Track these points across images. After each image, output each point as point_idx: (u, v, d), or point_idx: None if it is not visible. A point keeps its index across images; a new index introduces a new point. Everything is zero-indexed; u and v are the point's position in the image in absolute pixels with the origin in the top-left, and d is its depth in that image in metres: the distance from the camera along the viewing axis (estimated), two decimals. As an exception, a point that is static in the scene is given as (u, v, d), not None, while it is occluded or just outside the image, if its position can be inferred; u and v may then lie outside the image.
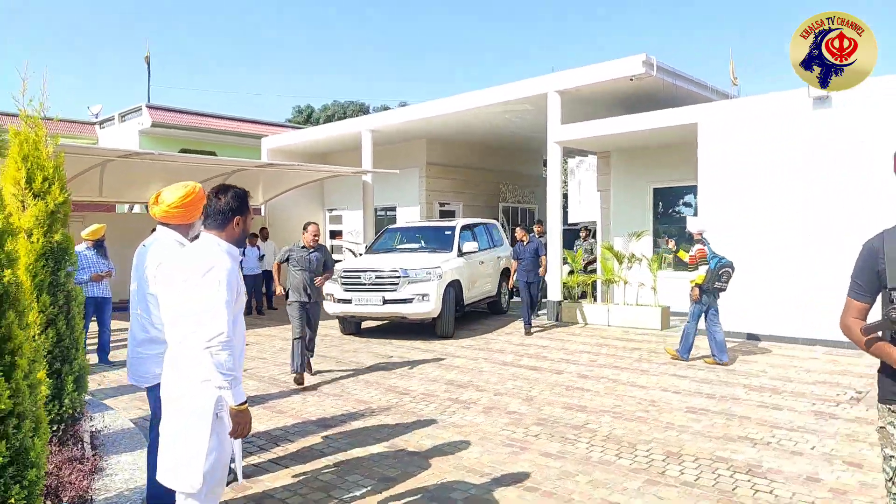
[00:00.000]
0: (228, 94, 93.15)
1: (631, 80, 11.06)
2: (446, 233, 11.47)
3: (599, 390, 6.78)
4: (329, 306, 9.99)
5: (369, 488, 4.18)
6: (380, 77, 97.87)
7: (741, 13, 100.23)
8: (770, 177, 9.60)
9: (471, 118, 14.47)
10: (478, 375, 7.54)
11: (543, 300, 12.38)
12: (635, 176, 13.28)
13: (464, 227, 11.77)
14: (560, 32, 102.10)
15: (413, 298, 9.61)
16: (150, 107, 21.69)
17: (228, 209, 2.92)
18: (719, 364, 7.86)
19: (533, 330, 10.61)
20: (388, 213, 18.24)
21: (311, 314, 7.41)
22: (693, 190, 11.80)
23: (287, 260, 7.52)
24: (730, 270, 7.83)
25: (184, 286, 2.69)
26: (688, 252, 8.04)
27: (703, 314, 8.02)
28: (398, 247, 11.57)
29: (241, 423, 2.64)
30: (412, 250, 11.26)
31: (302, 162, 17.99)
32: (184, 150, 20.04)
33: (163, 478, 2.74)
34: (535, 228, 12.68)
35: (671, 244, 8.77)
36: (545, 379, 7.33)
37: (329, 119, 41.38)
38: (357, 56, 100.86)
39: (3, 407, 2.58)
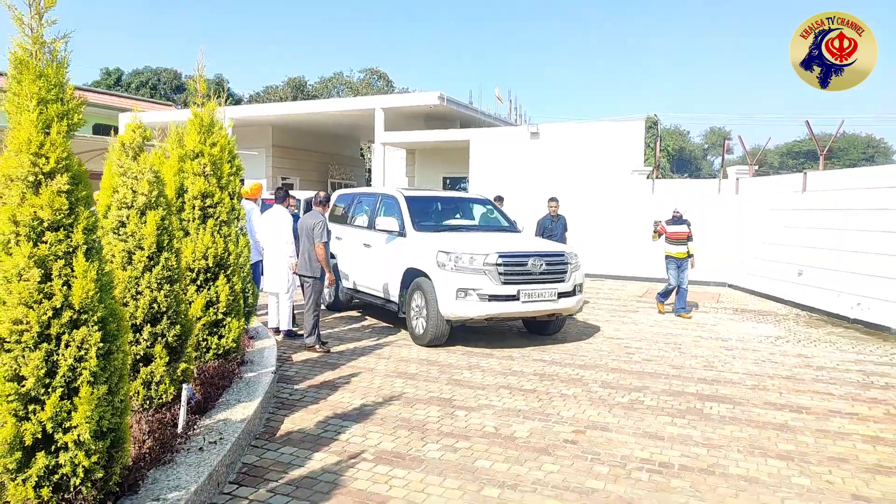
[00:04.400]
0: None
1: (430, 107, 17.05)
2: (487, 206, 9.68)
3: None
4: (469, 307, 7.14)
5: (321, 318, 9.55)
6: (190, 42, 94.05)
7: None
8: (508, 179, 16.24)
9: (315, 118, 19.47)
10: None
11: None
12: (432, 168, 19.46)
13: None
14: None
15: (575, 290, 7.75)
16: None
17: (285, 194, 8.15)
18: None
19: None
20: (238, 183, 22.39)
21: None
22: (467, 180, 18.25)
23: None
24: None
25: (280, 227, 7.86)
26: None
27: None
28: (448, 223, 8.89)
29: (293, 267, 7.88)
30: (476, 228, 8.96)
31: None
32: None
33: (269, 287, 7.91)
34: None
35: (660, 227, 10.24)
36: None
37: (143, 84, 42.14)
38: (168, 19, 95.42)
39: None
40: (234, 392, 4.83)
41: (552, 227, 10.24)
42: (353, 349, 7.44)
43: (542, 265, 7.47)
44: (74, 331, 2.73)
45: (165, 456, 3.54)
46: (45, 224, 2.73)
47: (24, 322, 2.64)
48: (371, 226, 8.95)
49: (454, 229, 8.57)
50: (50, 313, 2.68)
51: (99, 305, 2.81)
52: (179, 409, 3.95)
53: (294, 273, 7.83)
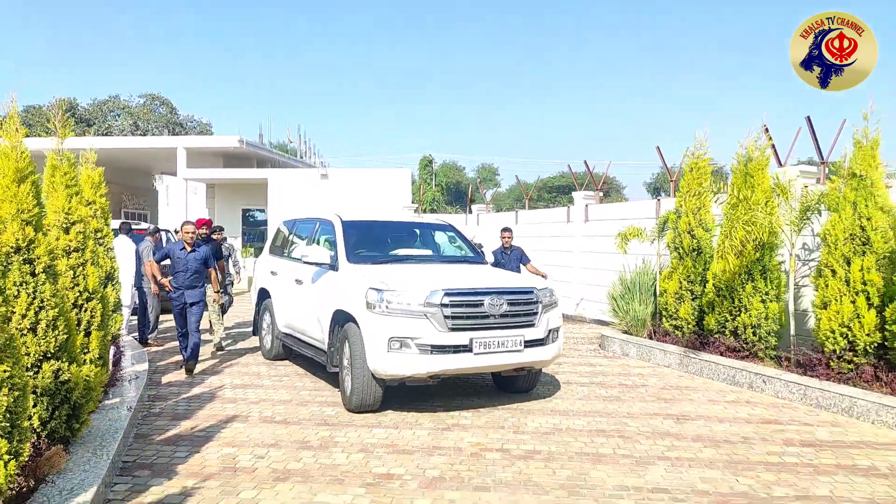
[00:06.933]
0: None
1: (231, 148, 19.45)
2: (448, 234, 8.29)
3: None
4: (405, 362, 5.73)
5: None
6: None
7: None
8: (303, 213, 19.20)
9: (113, 153, 20.64)
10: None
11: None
12: (232, 201, 21.69)
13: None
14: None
15: (548, 336, 6.26)
16: None
17: (129, 228, 10.44)
18: None
19: None
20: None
21: None
22: (265, 212, 20.83)
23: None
24: None
25: (125, 253, 10.08)
26: None
27: None
28: (395, 253, 7.40)
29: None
30: (429, 259, 7.52)
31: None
32: None
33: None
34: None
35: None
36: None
37: None
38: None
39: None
40: (129, 358, 7.31)
41: (504, 260, 9.37)
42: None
43: (502, 305, 5.97)
44: (89, 302, 5.34)
45: (111, 384, 6.09)
46: (72, 248, 5.32)
47: (64, 296, 5.21)
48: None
49: (401, 260, 7.12)
50: (78, 293, 5.27)
51: (100, 290, 5.45)
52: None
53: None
